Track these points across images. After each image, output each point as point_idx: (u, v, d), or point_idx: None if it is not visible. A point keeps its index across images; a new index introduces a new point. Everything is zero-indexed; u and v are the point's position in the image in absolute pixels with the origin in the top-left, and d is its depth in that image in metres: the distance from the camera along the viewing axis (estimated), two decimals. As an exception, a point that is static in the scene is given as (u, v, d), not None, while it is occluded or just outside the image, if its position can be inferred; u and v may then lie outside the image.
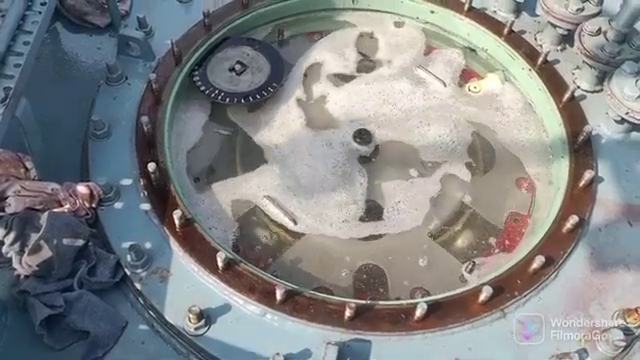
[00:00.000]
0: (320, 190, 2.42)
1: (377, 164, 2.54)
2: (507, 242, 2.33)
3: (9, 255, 1.92)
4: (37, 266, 1.88)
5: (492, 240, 2.34)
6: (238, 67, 2.67)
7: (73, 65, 2.80)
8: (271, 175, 2.46)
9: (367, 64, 2.91)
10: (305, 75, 2.83)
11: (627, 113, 2.33)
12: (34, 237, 1.89)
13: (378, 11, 3.03)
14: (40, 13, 2.07)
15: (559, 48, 2.78)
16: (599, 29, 2.51)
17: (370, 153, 2.56)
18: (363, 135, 2.57)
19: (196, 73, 2.63)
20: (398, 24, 3.04)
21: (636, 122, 2.35)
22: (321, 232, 2.31)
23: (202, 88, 2.59)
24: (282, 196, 2.39)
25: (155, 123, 2.36)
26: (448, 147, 2.58)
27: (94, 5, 2.87)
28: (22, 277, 1.92)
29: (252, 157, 2.55)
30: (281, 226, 2.33)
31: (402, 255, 2.29)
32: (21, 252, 1.91)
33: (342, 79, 2.82)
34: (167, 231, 2.08)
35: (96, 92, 2.48)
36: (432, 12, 2.94)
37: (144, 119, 2.29)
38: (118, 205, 2.15)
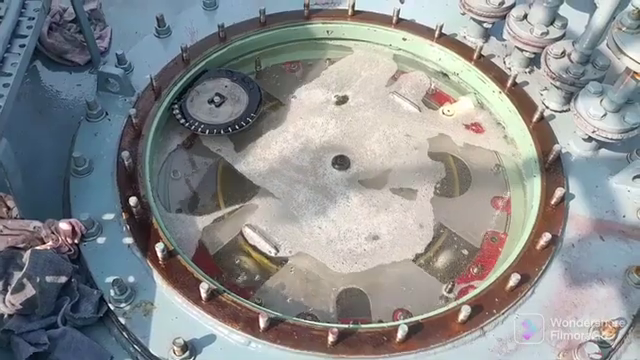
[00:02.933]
0: (301, 217, 2.47)
1: (356, 190, 2.59)
2: (485, 261, 2.39)
3: (-8, 295, 1.93)
4: (21, 304, 1.89)
5: (470, 259, 2.39)
6: (217, 99, 2.73)
7: (53, 102, 2.85)
8: (253, 204, 2.51)
9: (342, 93, 2.97)
10: (282, 104, 2.90)
11: (594, 132, 2.41)
12: (17, 276, 1.90)
13: (352, 40, 3.12)
14: (19, 55, 2.11)
15: (527, 70, 2.88)
16: (563, 51, 2.61)
17: (348, 179, 2.61)
18: (341, 161, 2.63)
19: (176, 106, 2.68)
20: (373, 51, 3.13)
21: (603, 140, 2.43)
22: (303, 258, 2.35)
23: (182, 121, 2.64)
24: (264, 224, 2.43)
25: (136, 157, 2.39)
26: (423, 170, 2.65)
27: (73, 43, 2.93)
28: (5, 316, 1.92)
29: (234, 187, 2.59)
30: (263, 254, 2.36)
31: (383, 278, 2.33)
32: (4, 291, 1.91)
33: (319, 109, 2.88)
34: (150, 264, 2.10)
35: (77, 128, 2.52)
36: (404, 39, 3.03)
37: (125, 154, 2.32)
38: (100, 240, 2.17)
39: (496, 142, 2.76)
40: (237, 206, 2.50)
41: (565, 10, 2.79)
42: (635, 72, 2.21)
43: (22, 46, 2.14)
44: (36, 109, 2.80)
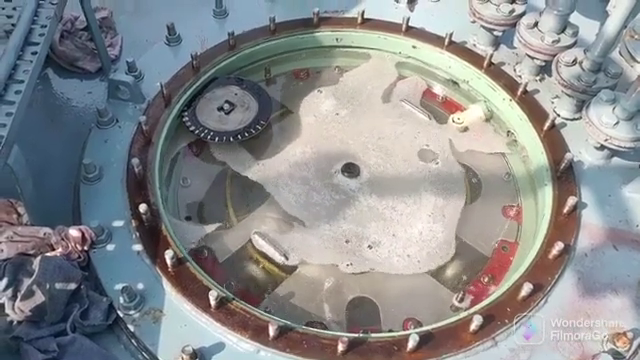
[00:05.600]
0: (310, 224, 2.46)
1: (365, 199, 2.57)
2: (496, 270, 2.37)
3: (1, 301, 1.92)
4: (30, 311, 1.88)
5: (481, 268, 2.37)
6: (226, 106, 2.73)
7: (64, 109, 2.86)
8: (262, 211, 2.51)
9: (351, 100, 2.97)
10: (292, 112, 2.90)
11: (606, 140, 2.39)
12: (27, 282, 1.90)
13: (362, 48, 3.12)
14: (31, 62, 2.11)
15: (538, 78, 2.87)
16: (575, 59, 2.59)
17: (358, 186, 2.60)
18: (350, 169, 2.63)
19: (185, 114, 2.69)
20: (378, 58, 3.12)
21: (615, 148, 2.41)
22: (313, 266, 2.34)
23: (192, 128, 2.64)
24: (273, 232, 2.42)
25: (146, 164, 2.39)
26: (433, 178, 2.63)
27: (84, 51, 2.95)
28: (15, 323, 1.91)
29: (243, 194, 2.59)
30: (272, 261, 2.35)
31: (393, 287, 2.31)
32: (14, 298, 1.91)
33: (328, 116, 2.88)
34: (159, 271, 2.09)
35: (87, 135, 2.52)
36: (414, 47, 3.03)
37: (134, 161, 2.32)
38: (110, 247, 2.16)
39: (506, 150, 2.75)
40: (247, 213, 2.50)
41: (576, 18, 2.77)
42: (648, 80, 2.19)
43: (34, 53, 2.14)
44: (47, 116, 2.81)
